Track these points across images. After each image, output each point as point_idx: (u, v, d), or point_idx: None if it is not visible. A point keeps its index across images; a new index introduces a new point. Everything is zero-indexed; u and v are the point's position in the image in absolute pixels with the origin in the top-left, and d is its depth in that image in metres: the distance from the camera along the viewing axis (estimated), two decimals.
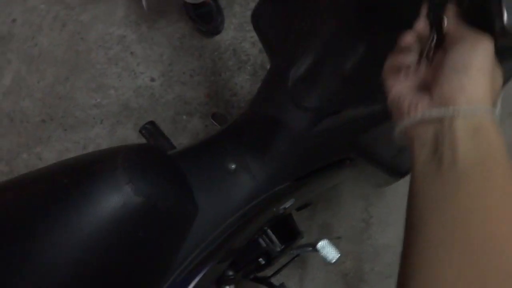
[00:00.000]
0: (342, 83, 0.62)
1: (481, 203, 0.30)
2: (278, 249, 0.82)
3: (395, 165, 0.66)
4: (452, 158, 0.31)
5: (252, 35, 1.35)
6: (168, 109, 1.34)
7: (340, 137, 0.66)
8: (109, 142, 1.32)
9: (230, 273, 0.81)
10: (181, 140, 1.32)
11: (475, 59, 0.33)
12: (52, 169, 0.48)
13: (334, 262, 0.90)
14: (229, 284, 0.86)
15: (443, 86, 0.34)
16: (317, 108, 0.64)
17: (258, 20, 0.73)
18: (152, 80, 1.37)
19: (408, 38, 0.39)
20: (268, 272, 0.91)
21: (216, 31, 1.36)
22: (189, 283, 0.62)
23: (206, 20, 1.32)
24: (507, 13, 0.34)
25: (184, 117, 1.34)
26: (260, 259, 0.83)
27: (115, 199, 0.43)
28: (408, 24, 0.41)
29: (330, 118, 0.65)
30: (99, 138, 1.33)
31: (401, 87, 0.38)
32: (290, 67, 0.65)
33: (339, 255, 0.90)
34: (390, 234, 1.19)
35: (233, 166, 0.69)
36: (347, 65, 0.59)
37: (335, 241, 1.18)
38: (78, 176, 0.45)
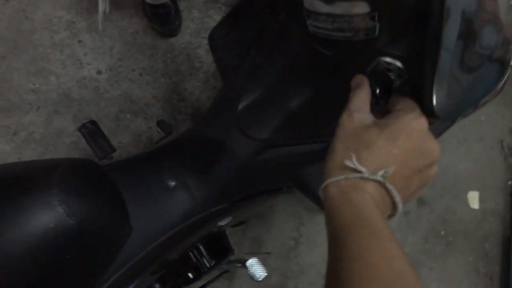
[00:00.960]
0: (288, 120, 0.65)
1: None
2: (208, 266, 0.83)
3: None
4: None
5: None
6: (112, 105, 1.30)
7: (280, 168, 0.69)
8: (43, 131, 1.25)
9: (157, 286, 0.80)
10: (122, 139, 1.28)
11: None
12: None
13: (261, 280, 0.93)
14: None
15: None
16: (262, 139, 0.66)
17: (215, 42, 0.74)
18: (99, 73, 1.32)
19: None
20: (195, 285, 0.92)
21: (172, 33, 1.34)
22: None
23: (163, 21, 1.30)
24: (436, 98, 0.38)
25: (128, 115, 1.30)
26: (189, 274, 0.84)
27: (46, 219, 0.42)
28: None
29: (273, 150, 0.67)
30: (32, 125, 1.26)
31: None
32: (240, 96, 0.67)
33: (266, 274, 0.93)
34: (317, 254, 1.24)
35: (173, 184, 0.69)
36: (294, 104, 0.62)
37: (264, 256, 1.22)
38: (12, 190, 0.43)
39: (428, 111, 0.39)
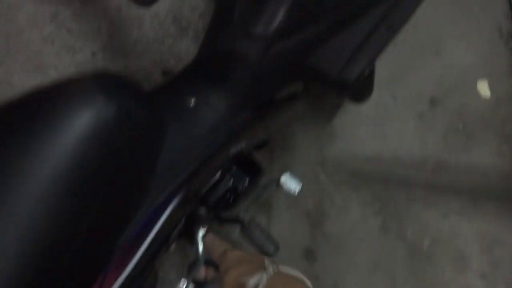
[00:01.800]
0: (287, 8, 0.66)
1: None
2: (245, 184, 0.86)
3: (341, 79, 0.71)
4: None
5: (190, 1, 1.36)
6: None
7: (291, 60, 0.71)
8: None
9: (202, 211, 0.83)
10: None
11: None
12: (20, 97, 0.48)
13: (297, 193, 0.95)
14: (202, 226, 0.89)
15: None
16: (266, 34, 0.68)
17: None
18: (93, 54, 1.34)
19: None
20: (238, 213, 0.95)
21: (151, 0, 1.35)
22: (164, 210, 0.64)
23: None
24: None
25: None
26: (228, 196, 0.87)
27: (88, 111, 0.44)
28: None
29: (279, 43, 0.69)
30: None
31: None
32: (234, 3, 0.68)
33: (301, 184, 0.95)
34: (344, 171, 1.27)
35: (193, 102, 0.71)
36: None
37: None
38: (49, 95, 0.45)
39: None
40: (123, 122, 0.47)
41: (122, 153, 0.49)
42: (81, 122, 0.45)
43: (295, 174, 1.24)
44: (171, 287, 1.02)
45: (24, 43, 1.34)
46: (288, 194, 0.94)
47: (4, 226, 0.41)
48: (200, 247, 0.88)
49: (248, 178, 0.83)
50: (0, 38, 1.35)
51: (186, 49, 1.35)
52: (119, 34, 1.35)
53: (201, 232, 0.89)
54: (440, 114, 1.30)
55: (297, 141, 1.26)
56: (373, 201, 1.27)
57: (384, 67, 1.31)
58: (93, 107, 0.45)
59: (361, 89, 1.04)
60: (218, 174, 0.82)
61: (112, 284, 0.60)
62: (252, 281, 0.45)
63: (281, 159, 1.25)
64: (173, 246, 0.92)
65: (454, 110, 1.31)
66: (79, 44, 1.34)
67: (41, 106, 0.46)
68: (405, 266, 1.24)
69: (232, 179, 0.83)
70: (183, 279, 0.84)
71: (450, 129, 1.29)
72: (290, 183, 0.93)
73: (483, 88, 1.32)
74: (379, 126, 1.29)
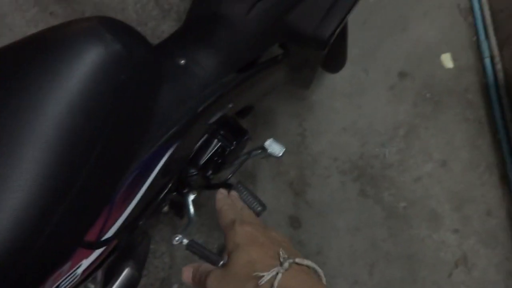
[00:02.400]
0: None
1: None
2: (231, 145, 0.92)
3: (317, 35, 0.78)
4: None
5: None
6: None
7: (271, 20, 0.78)
8: None
9: (193, 170, 0.89)
10: None
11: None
12: (32, 36, 0.52)
13: (281, 155, 1.02)
14: (192, 191, 0.94)
15: None
16: None
17: None
18: None
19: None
20: (224, 174, 1.01)
21: None
22: (160, 158, 0.70)
23: None
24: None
25: None
26: (216, 158, 0.92)
27: (98, 46, 0.50)
28: None
29: (260, 4, 0.75)
30: None
31: None
32: None
33: (284, 148, 1.02)
34: (324, 142, 1.35)
35: (183, 61, 0.77)
36: None
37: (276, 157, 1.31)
38: (61, 31, 0.51)
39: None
40: (129, 58, 0.52)
41: (128, 88, 0.54)
42: (91, 54, 0.50)
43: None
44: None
45: (8, 27, 1.37)
46: (273, 157, 1.00)
47: (26, 141, 0.45)
48: (191, 209, 0.93)
49: (234, 141, 0.89)
50: None
51: (169, 31, 1.40)
52: None
53: (191, 196, 0.94)
54: (409, 86, 1.40)
55: (278, 115, 1.33)
56: (351, 169, 1.36)
57: (356, 44, 1.40)
58: (101, 42, 0.50)
59: (335, 56, 1.12)
60: (206, 136, 0.88)
61: (113, 224, 0.64)
62: (266, 276, 0.41)
63: (263, 133, 1.31)
64: (165, 208, 0.97)
65: (422, 81, 1.41)
66: None
67: (54, 40, 0.51)
68: (383, 227, 1.32)
69: (219, 142, 0.89)
70: (177, 235, 0.90)
71: (418, 98, 1.39)
72: (274, 146, 0.99)
73: (447, 60, 1.43)
74: (353, 99, 1.38)
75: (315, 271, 0.45)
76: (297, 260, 0.44)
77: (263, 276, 0.41)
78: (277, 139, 1.26)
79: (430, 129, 1.36)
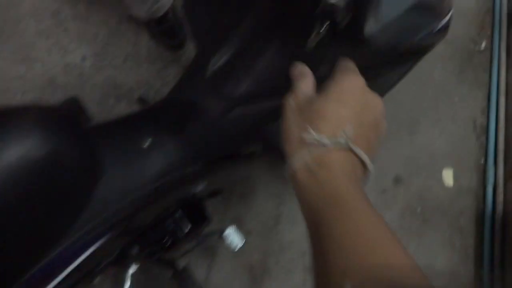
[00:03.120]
0: (254, 78, 0.69)
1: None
2: (185, 231, 0.86)
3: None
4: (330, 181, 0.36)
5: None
6: (96, 90, 1.34)
7: (249, 125, 0.73)
8: None
9: (135, 250, 0.83)
10: None
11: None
12: None
13: (238, 249, 0.96)
14: (132, 263, 0.89)
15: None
16: (231, 96, 0.70)
17: (189, 7, 0.78)
18: (83, 59, 1.36)
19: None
20: (174, 256, 0.95)
21: (181, 45, 1.37)
22: (85, 250, 0.64)
23: (169, 35, 1.33)
24: (367, 27, 0.43)
25: (112, 100, 1.33)
26: (166, 240, 0.87)
27: (18, 147, 0.45)
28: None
29: (241, 107, 0.71)
30: None
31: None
32: (211, 57, 0.71)
33: (244, 241, 0.96)
34: (297, 232, 1.28)
35: (148, 143, 0.72)
36: (259, 62, 0.66)
37: (245, 234, 1.25)
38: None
39: (360, 38, 0.43)
40: (51, 164, 0.48)
41: (44, 192, 0.50)
42: (9, 156, 0.46)
43: (246, 225, 1.26)
44: None
45: (19, 33, 1.35)
46: (228, 248, 0.94)
47: None
48: (126, 285, 0.88)
49: (190, 226, 0.84)
50: None
51: (175, 75, 1.37)
52: (114, 45, 1.38)
53: (131, 270, 0.89)
54: (401, 194, 1.33)
55: (257, 191, 1.27)
56: None
57: None
58: (25, 144, 0.46)
59: None
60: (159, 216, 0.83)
61: None
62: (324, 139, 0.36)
63: (236, 207, 1.25)
64: (97, 279, 0.91)
65: (416, 192, 1.34)
66: (72, 46, 1.36)
67: None
68: None
69: (173, 224, 0.84)
70: None
71: (408, 210, 1.32)
72: (233, 237, 0.94)
73: (448, 177, 1.36)
74: None
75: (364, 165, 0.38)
76: (352, 146, 0.36)
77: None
78: (249, 220, 1.21)
79: (411, 246, 1.28)
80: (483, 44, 1.55)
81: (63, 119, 0.53)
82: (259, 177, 1.27)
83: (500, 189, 1.32)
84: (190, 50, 1.40)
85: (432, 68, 1.45)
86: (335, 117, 0.37)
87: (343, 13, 0.47)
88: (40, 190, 0.49)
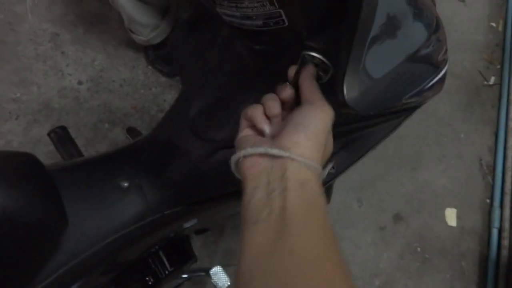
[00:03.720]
0: (237, 122, 0.66)
1: (302, 243, 0.33)
2: (167, 272, 0.82)
3: None
4: (283, 204, 0.35)
5: None
6: (91, 115, 1.32)
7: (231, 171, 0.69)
8: (21, 139, 1.26)
9: None
10: (99, 148, 1.29)
11: (314, 122, 0.37)
12: None
13: None
14: None
15: (283, 138, 0.37)
16: (213, 140, 0.67)
17: (175, 45, 0.76)
18: (80, 83, 1.34)
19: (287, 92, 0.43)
20: None
21: (177, 72, 1.36)
22: None
23: (166, 61, 1.32)
24: (347, 90, 0.39)
25: (107, 125, 1.31)
26: (148, 279, 0.83)
27: None
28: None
29: (224, 152, 0.67)
30: (11, 134, 1.27)
31: (250, 131, 0.43)
32: (193, 98, 0.68)
33: (229, 283, 0.92)
34: None
35: (126, 184, 0.69)
36: (242, 108, 0.63)
37: (236, 268, 1.20)
38: None
39: (340, 101, 0.39)
40: (5, 225, 0.45)
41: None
42: None
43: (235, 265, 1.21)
44: None
45: (17, 55, 1.35)
46: (215, 287, 0.90)
47: None
48: None
49: (171, 268, 0.80)
50: None
51: (170, 102, 1.35)
52: (111, 70, 1.36)
53: None
54: (401, 232, 1.27)
55: None
56: None
57: (358, 169, 1.30)
58: None
59: None
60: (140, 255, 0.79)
61: None
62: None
63: (228, 242, 1.21)
64: None
65: (416, 231, 1.28)
66: (69, 70, 1.35)
67: None
68: None
69: (153, 265, 0.80)
70: None
71: (407, 250, 1.26)
72: (219, 278, 0.89)
73: (451, 216, 1.30)
74: (337, 229, 1.26)
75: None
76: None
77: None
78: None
79: (410, 287, 1.22)
80: (492, 79, 1.51)
81: (22, 171, 0.50)
82: None
83: (506, 233, 1.26)
84: None
85: (437, 101, 1.40)
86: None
87: (325, 67, 0.44)
88: None
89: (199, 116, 0.68)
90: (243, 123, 0.44)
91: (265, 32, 0.43)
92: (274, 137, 0.39)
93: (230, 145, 0.68)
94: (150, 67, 1.37)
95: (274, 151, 0.36)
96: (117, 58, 1.38)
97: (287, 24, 0.40)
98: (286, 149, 0.36)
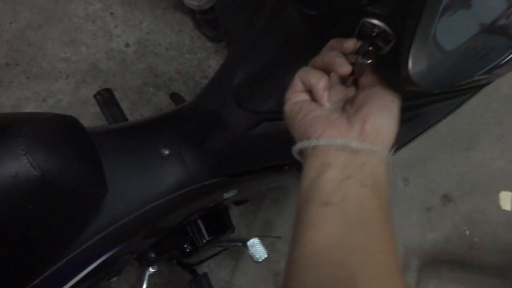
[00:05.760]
0: (282, 94, 0.62)
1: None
2: (204, 241, 0.82)
3: None
4: (359, 200, 0.33)
5: None
6: (137, 78, 1.32)
7: (275, 144, 0.66)
8: (70, 99, 1.30)
9: (152, 255, 0.81)
10: (143, 112, 1.30)
11: (397, 104, 0.36)
12: None
13: (261, 261, 0.91)
14: (151, 265, 0.87)
15: (366, 122, 0.35)
16: (257, 111, 0.64)
17: (222, 8, 0.72)
18: (127, 45, 1.34)
19: (351, 43, 0.39)
20: (195, 259, 0.92)
21: (223, 38, 1.33)
22: (97, 259, 0.62)
23: (214, 26, 1.29)
24: (412, 63, 0.34)
25: (151, 89, 1.31)
26: (186, 246, 0.84)
27: (9, 167, 0.42)
28: None
29: (268, 124, 0.64)
30: (61, 93, 1.30)
31: (305, 95, 0.39)
32: (238, 65, 0.65)
33: (266, 255, 0.91)
34: None
35: (167, 152, 0.68)
36: (288, 79, 0.59)
37: (274, 240, 1.20)
38: None
39: (403, 75, 0.35)
40: (42, 188, 0.45)
41: (35, 215, 0.47)
42: (1, 173, 0.43)
43: (276, 230, 1.20)
44: None
45: (68, 15, 1.36)
46: (251, 258, 0.90)
47: None
48: (144, 287, 0.86)
49: (209, 237, 0.80)
50: (50, 3, 1.38)
51: (215, 68, 1.32)
52: (158, 33, 1.35)
53: (150, 271, 0.87)
54: (450, 213, 1.21)
55: (290, 197, 1.21)
56: None
57: (407, 146, 1.23)
58: (16, 165, 0.43)
59: None
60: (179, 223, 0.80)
61: None
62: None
63: (268, 211, 1.20)
64: (115, 279, 0.91)
65: (466, 214, 1.21)
66: (117, 32, 1.35)
67: None
68: None
69: (191, 233, 0.80)
70: None
71: (455, 233, 1.20)
72: (256, 249, 0.89)
73: (505, 200, 1.21)
74: None
75: None
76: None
77: None
78: (278, 227, 1.15)
79: (456, 271, 1.17)
80: None
81: (63, 134, 0.50)
82: (295, 183, 1.21)
83: None
84: None
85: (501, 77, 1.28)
86: None
87: (386, 37, 0.39)
88: (34, 206, 0.46)
89: (244, 85, 0.65)
90: (297, 84, 0.40)
91: None
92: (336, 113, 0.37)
93: (274, 117, 0.65)
94: (196, 31, 1.34)
95: (359, 145, 0.34)
96: (164, 21, 1.36)
97: None
98: (371, 138, 0.34)
